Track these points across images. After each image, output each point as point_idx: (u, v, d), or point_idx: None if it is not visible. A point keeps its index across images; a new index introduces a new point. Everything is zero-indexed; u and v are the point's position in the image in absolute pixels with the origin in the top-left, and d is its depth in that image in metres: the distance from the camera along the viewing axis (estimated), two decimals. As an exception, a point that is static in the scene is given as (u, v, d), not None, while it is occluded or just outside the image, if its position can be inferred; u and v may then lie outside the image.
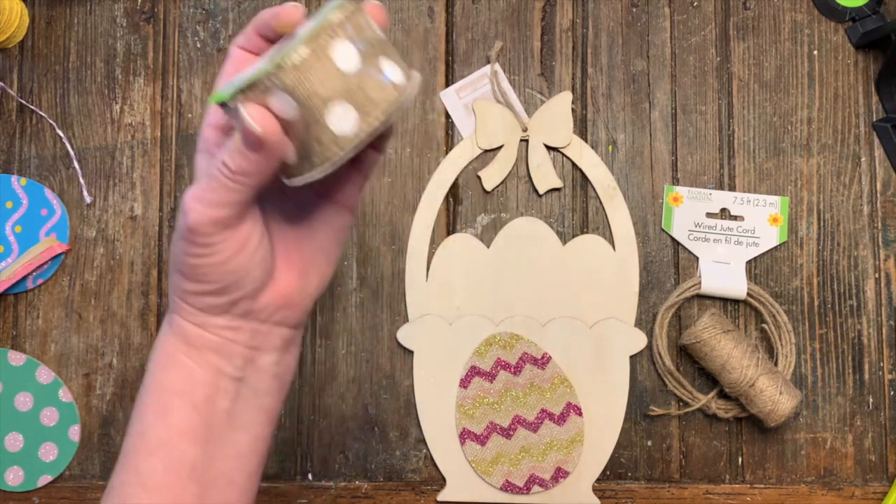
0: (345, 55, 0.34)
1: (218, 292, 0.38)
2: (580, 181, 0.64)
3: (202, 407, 0.39)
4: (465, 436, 0.61)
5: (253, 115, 0.34)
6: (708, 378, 0.62)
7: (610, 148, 0.64)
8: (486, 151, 0.64)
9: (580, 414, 0.61)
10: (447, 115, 0.65)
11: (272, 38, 0.39)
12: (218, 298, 0.38)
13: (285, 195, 0.41)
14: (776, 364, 0.61)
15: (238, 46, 0.39)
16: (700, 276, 0.62)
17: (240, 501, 0.40)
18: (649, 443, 0.62)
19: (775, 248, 0.63)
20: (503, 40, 0.65)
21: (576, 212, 0.64)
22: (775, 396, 0.58)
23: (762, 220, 0.63)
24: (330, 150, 0.35)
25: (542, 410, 0.61)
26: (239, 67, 0.39)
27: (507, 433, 0.61)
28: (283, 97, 0.34)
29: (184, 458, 0.38)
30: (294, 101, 0.34)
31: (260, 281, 0.39)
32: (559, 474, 0.61)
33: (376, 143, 0.40)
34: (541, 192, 0.63)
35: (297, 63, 0.33)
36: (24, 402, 0.62)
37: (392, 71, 0.35)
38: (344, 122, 0.34)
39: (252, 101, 0.34)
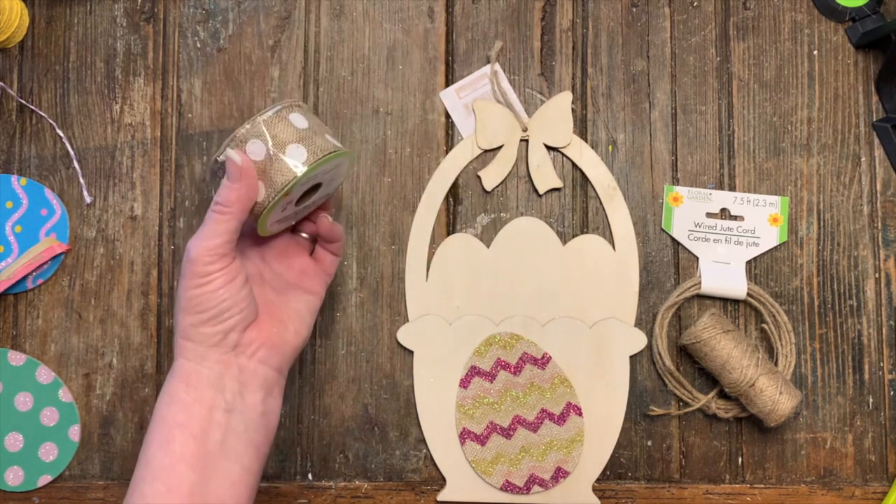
0: (299, 119, 0.50)
1: (213, 319, 0.47)
2: (580, 181, 0.64)
3: (199, 437, 0.46)
4: (465, 436, 0.61)
5: (235, 155, 0.48)
6: (708, 378, 0.62)
7: (610, 148, 0.64)
8: (486, 151, 0.64)
9: (580, 414, 0.61)
10: (447, 115, 0.65)
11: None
12: (213, 327, 0.47)
13: (265, 281, 0.53)
14: (776, 364, 0.61)
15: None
16: (700, 276, 0.62)
17: None
18: (649, 443, 0.62)
19: (775, 248, 0.63)
20: (503, 40, 0.65)
21: (576, 212, 0.64)
22: (775, 396, 0.58)
23: (762, 220, 0.63)
24: (287, 176, 0.49)
25: (542, 410, 0.61)
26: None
27: (507, 433, 0.61)
28: (256, 142, 0.49)
29: (183, 481, 0.45)
30: (263, 144, 0.49)
31: (246, 314, 0.49)
32: (559, 474, 0.61)
33: (334, 248, 0.55)
34: (541, 192, 0.63)
35: (265, 119, 0.49)
36: (24, 402, 0.62)
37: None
38: (297, 156, 0.49)
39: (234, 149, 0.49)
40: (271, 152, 0.49)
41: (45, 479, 0.62)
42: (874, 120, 0.64)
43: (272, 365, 0.50)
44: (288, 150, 0.49)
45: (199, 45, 0.65)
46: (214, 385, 0.47)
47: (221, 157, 0.49)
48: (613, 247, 0.63)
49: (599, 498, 0.61)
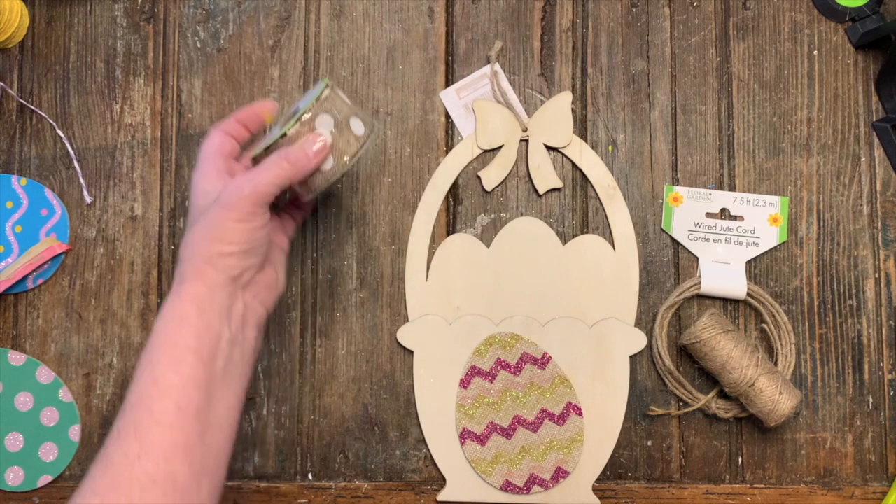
0: (344, 95, 0.54)
1: (242, 253, 0.50)
2: (580, 181, 0.64)
3: (207, 362, 0.48)
4: (465, 436, 0.61)
5: (326, 133, 0.52)
6: (708, 378, 0.62)
7: (610, 148, 0.64)
8: (486, 151, 0.64)
9: (580, 414, 0.61)
10: (447, 115, 0.65)
11: (252, 128, 0.57)
12: (240, 261, 0.50)
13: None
14: (776, 364, 0.61)
15: (220, 130, 0.55)
16: (700, 276, 0.62)
17: (226, 446, 0.49)
18: (649, 443, 0.62)
19: (775, 248, 0.63)
20: (503, 40, 0.65)
21: (576, 212, 0.64)
22: (775, 396, 0.58)
23: (762, 220, 0.63)
24: (354, 146, 0.53)
25: (542, 410, 0.61)
26: (222, 150, 0.54)
27: (507, 433, 0.61)
28: (325, 117, 0.52)
29: (192, 402, 0.46)
30: (331, 118, 0.52)
31: (263, 257, 0.52)
32: (559, 474, 0.61)
33: (299, 217, 0.60)
34: (541, 192, 0.63)
35: (327, 95, 0.52)
36: (24, 402, 0.62)
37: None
38: (358, 128, 0.53)
39: (306, 126, 0.52)
40: (340, 126, 0.53)
41: (45, 479, 0.62)
42: (874, 120, 0.64)
43: (266, 306, 0.54)
44: (351, 123, 0.53)
45: (199, 45, 0.65)
46: (223, 315, 0.49)
47: (292, 130, 0.51)
48: (613, 247, 0.63)
49: (599, 498, 0.61)
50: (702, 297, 0.63)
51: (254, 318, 0.52)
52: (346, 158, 0.53)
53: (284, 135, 0.51)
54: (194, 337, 0.48)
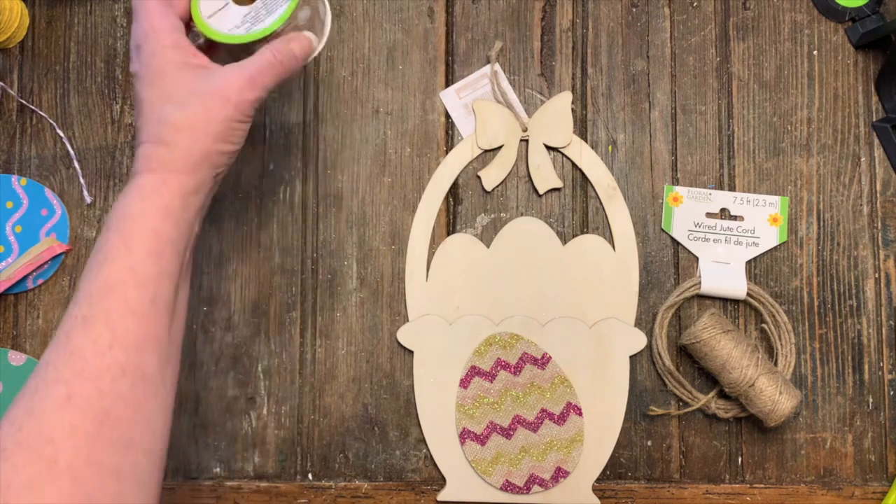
0: None
1: (236, 151, 0.50)
2: (580, 181, 0.64)
3: (181, 255, 0.47)
4: (465, 436, 0.61)
5: (314, 40, 0.53)
6: (708, 378, 0.62)
7: (610, 148, 0.64)
8: (486, 151, 0.64)
9: (580, 414, 0.61)
10: (447, 115, 0.65)
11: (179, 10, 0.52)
12: (230, 158, 0.50)
13: None
14: (776, 364, 0.61)
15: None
16: (700, 276, 0.62)
17: (181, 336, 0.49)
18: (649, 443, 0.62)
19: (775, 248, 0.63)
20: (503, 40, 0.65)
21: (576, 212, 0.64)
22: (775, 396, 0.58)
23: (762, 220, 0.63)
24: (328, 25, 0.54)
25: (542, 410, 0.61)
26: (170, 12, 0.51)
27: (507, 433, 0.61)
28: (305, 9, 0.52)
29: (165, 294, 0.46)
30: (308, 9, 0.52)
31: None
32: (559, 474, 0.61)
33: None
34: (541, 192, 0.63)
35: None
36: (24, 401, 0.62)
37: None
38: (325, 12, 0.54)
39: (290, 26, 0.51)
40: (314, 16, 0.53)
41: (45, 479, 0.62)
42: (874, 120, 0.64)
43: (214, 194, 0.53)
44: (321, 10, 0.54)
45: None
46: (201, 209, 0.49)
47: (280, 28, 0.51)
48: (613, 247, 0.63)
49: (599, 498, 0.61)
50: (702, 297, 0.63)
51: (207, 206, 0.52)
52: (322, 37, 0.54)
53: (273, 32, 0.51)
54: (175, 229, 0.46)
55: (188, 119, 0.47)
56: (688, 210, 0.63)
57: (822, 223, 0.64)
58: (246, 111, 0.49)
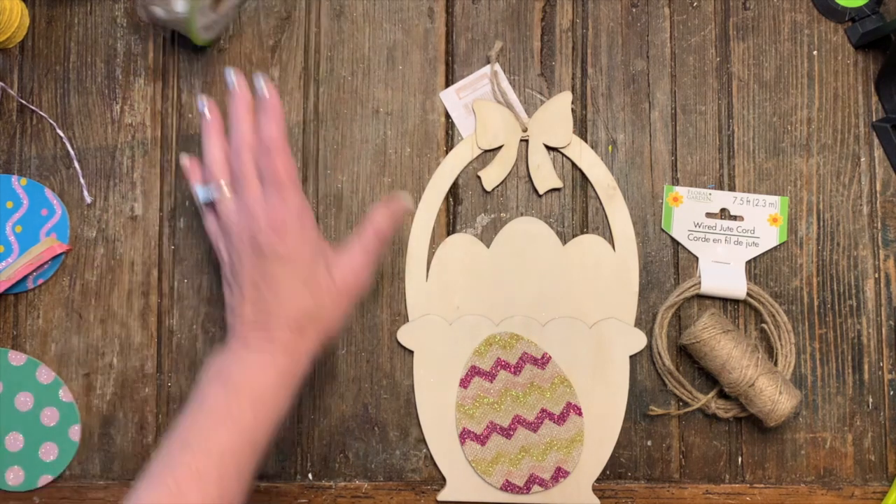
0: None
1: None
2: (580, 181, 0.64)
3: (271, 432, 0.51)
4: (465, 436, 0.61)
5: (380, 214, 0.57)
6: (708, 378, 0.62)
7: (610, 148, 0.64)
8: (486, 151, 0.64)
9: (580, 414, 0.61)
10: (447, 115, 0.65)
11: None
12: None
13: None
14: (776, 364, 0.61)
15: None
16: (700, 276, 0.62)
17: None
18: (649, 443, 0.62)
19: (775, 248, 0.63)
20: (503, 40, 0.65)
21: (576, 212, 0.64)
22: (775, 396, 0.58)
23: (762, 220, 0.63)
24: None
25: (542, 410, 0.61)
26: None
27: (507, 433, 0.61)
28: None
29: (243, 469, 0.49)
30: None
31: None
32: (559, 474, 0.61)
33: None
34: (541, 192, 0.63)
35: None
36: (24, 401, 0.62)
37: None
38: None
39: None
40: None
41: (45, 479, 0.62)
42: (874, 120, 0.64)
43: None
44: None
45: (199, 45, 0.65)
46: (298, 384, 0.53)
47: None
48: (613, 247, 0.63)
49: (599, 498, 0.61)
50: (702, 297, 0.63)
51: None
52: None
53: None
54: (275, 412, 0.51)
55: (321, 311, 0.53)
56: (688, 210, 0.63)
57: (821, 223, 0.64)
58: (359, 294, 0.55)
